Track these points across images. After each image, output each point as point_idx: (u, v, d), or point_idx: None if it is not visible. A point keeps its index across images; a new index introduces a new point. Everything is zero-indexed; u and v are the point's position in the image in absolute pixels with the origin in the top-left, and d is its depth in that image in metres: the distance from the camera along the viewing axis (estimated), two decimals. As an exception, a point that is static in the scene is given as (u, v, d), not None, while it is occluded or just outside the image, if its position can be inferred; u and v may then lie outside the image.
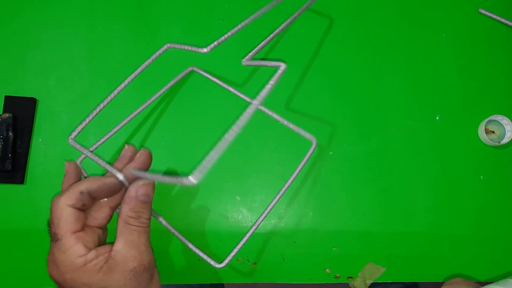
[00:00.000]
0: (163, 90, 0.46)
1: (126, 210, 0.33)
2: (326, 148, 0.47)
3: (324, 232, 0.46)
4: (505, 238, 0.48)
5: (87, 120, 0.35)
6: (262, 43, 0.44)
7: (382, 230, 0.47)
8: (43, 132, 0.45)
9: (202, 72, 0.47)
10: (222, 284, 0.78)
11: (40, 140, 0.45)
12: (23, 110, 0.44)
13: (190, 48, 0.37)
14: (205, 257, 0.39)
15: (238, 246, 0.39)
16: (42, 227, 0.44)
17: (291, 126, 0.44)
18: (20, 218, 0.44)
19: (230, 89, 0.46)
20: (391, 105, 0.49)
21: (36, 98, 0.45)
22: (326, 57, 0.49)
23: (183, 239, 0.40)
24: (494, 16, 0.51)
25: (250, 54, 0.43)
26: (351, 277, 0.46)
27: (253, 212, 0.46)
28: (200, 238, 0.45)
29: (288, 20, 0.45)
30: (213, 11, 0.49)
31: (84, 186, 0.32)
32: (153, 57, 0.38)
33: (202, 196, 0.46)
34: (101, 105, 0.37)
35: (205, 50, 0.35)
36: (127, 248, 0.33)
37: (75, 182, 0.34)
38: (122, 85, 0.38)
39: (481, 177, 0.48)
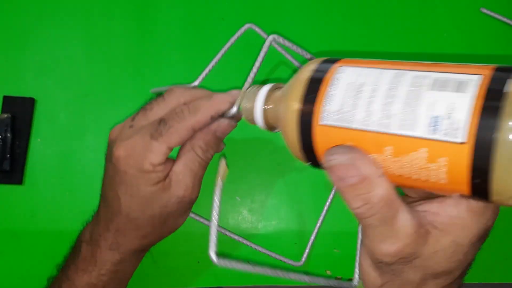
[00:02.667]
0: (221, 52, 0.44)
1: (199, 138, 0.33)
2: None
3: (325, 234, 0.46)
4: (507, 240, 0.47)
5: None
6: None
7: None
8: (42, 132, 0.45)
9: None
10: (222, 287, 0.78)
11: (38, 140, 0.45)
12: (21, 110, 0.44)
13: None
14: (281, 258, 0.42)
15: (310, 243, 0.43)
16: (40, 227, 0.43)
17: None
18: (19, 219, 0.43)
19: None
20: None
21: (35, 98, 0.45)
22: (322, 55, 0.49)
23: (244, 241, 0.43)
24: (496, 16, 0.51)
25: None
26: (352, 279, 0.45)
27: (253, 213, 0.45)
28: (200, 239, 0.44)
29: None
30: (213, 11, 0.49)
31: (216, 110, 0.32)
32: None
33: (202, 196, 0.45)
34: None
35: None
36: (185, 173, 0.33)
37: (206, 100, 0.33)
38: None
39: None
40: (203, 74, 0.41)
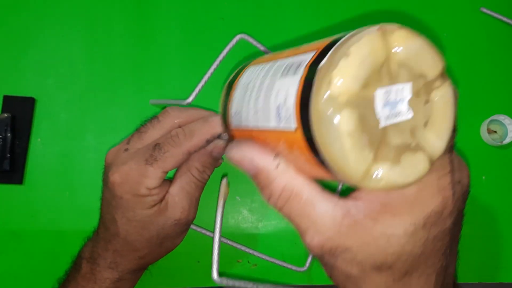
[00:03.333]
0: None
1: (195, 160, 0.34)
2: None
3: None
4: (507, 239, 0.47)
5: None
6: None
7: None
8: (42, 132, 0.45)
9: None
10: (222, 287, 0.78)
11: (38, 140, 0.45)
12: (21, 110, 0.44)
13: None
14: (285, 264, 0.42)
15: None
16: (40, 227, 0.43)
17: None
18: (19, 219, 0.43)
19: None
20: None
21: (35, 98, 0.45)
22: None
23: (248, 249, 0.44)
24: (496, 15, 0.51)
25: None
26: (353, 278, 0.45)
27: (253, 213, 0.45)
28: (199, 239, 0.44)
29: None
30: (212, 10, 0.48)
31: (211, 133, 0.32)
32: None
33: (201, 197, 0.45)
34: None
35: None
36: (181, 196, 0.34)
37: (201, 124, 0.33)
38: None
39: (483, 177, 0.48)
40: (196, 90, 0.40)
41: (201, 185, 0.35)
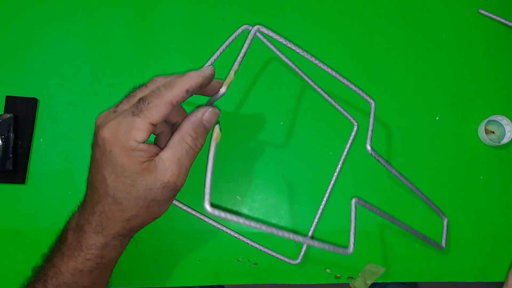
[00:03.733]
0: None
1: (187, 127, 0.35)
2: (326, 149, 0.47)
3: (323, 232, 0.46)
4: (505, 239, 0.48)
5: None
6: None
7: (382, 230, 0.47)
8: (44, 132, 0.45)
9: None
10: (223, 286, 0.78)
11: (41, 140, 0.45)
12: (24, 110, 0.45)
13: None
14: (278, 256, 0.43)
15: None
16: (43, 227, 0.44)
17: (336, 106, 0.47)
18: (21, 218, 0.44)
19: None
20: (391, 105, 0.49)
21: (37, 98, 0.45)
22: (324, 56, 0.49)
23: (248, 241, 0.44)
24: (494, 17, 0.51)
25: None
26: (351, 277, 0.46)
27: (253, 212, 0.46)
28: (200, 238, 0.45)
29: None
30: (213, 11, 0.49)
31: (190, 84, 0.34)
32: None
33: (202, 197, 0.45)
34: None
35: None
36: (172, 161, 0.34)
37: (180, 77, 0.34)
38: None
39: (481, 177, 0.49)
40: None
41: (193, 154, 0.36)
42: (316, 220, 0.46)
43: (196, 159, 0.46)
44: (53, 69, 0.46)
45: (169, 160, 0.34)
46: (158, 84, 0.35)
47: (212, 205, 0.29)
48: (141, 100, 0.33)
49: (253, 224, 0.31)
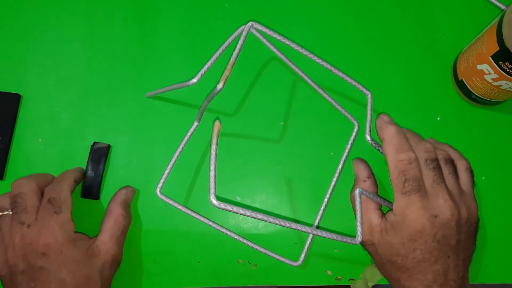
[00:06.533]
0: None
1: (118, 209, 0.40)
2: (326, 149, 0.47)
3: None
4: (505, 239, 0.47)
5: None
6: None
7: (384, 231, 0.46)
8: (43, 132, 0.45)
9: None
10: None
11: (40, 140, 0.45)
12: (5, 106, 0.44)
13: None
14: (279, 257, 0.43)
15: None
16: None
17: (337, 106, 0.47)
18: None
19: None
20: (392, 105, 0.49)
21: (36, 97, 0.45)
22: (324, 56, 0.49)
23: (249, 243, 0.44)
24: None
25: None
26: (353, 279, 0.45)
27: (253, 213, 0.45)
28: (200, 239, 0.45)
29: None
30: (213, 11, 0.49)
31: (74, 175, 0.41)
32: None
33: (202, 196, 0.45)
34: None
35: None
36: (112, 242, 0.39)
37: (64, 173, 0.41)
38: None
39: (483, 177, 0.48)
40: (202, 71, 0.41)
41: (125, 230, 0.41)
42: (318, 217, 0.45)
43: (196, 159, 0.46)
44: (51, 69, 0.46)
45: (110, 242, 0.39)
46: (33, 186, 0.38)
47: (217, 198, 0.31)
48: (51, 199, 0.37)
49: (260, 216, 0.31)
